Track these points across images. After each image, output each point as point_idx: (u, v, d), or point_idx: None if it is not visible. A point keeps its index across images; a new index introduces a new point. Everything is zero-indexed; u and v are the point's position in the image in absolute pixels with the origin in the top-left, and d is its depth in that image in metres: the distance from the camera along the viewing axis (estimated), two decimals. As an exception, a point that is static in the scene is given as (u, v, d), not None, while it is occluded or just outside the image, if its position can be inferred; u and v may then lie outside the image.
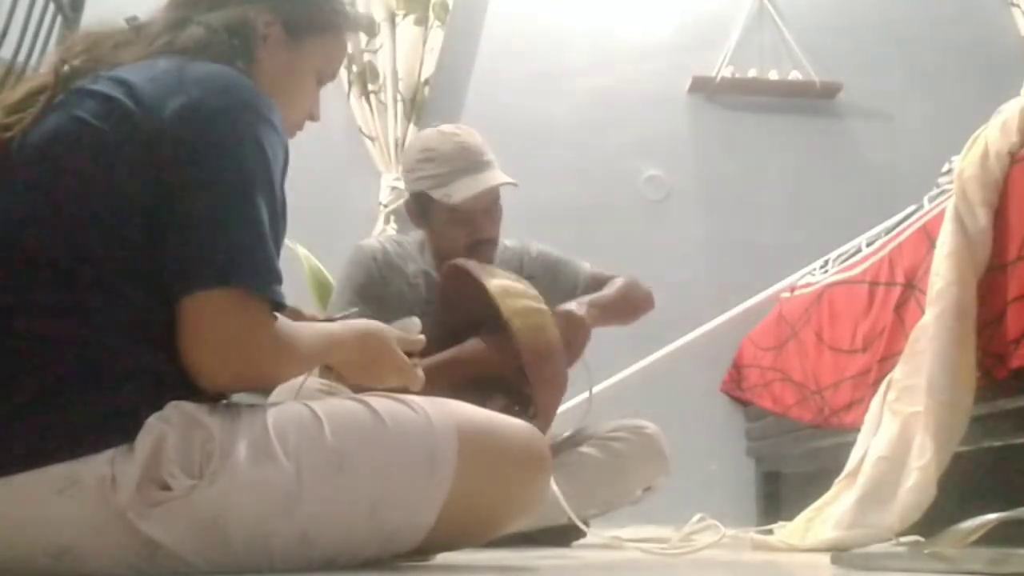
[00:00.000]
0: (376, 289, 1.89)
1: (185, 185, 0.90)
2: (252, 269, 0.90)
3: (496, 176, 1.85)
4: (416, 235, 2.03)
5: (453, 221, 1.86)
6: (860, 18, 3.55)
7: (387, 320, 1.85)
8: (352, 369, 1.16)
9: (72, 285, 0.87)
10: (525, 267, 1.98)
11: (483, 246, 1.89)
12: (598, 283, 2.00)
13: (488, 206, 1.87)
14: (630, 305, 2.01)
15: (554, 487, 1.35)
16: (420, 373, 1.17)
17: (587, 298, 1.88)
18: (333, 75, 1.19)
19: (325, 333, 1.05)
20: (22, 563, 0.82)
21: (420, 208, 1.91)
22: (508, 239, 2.02)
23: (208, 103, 0.92)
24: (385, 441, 0.93)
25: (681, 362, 2.83)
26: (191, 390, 0.89)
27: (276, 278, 0.92)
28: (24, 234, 0.89)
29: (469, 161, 1.83)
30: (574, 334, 1.77)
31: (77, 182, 0.90)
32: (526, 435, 1.03)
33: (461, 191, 1.81)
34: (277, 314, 0.93)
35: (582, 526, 1.55)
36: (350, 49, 1.25)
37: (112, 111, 0.91)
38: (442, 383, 1.42)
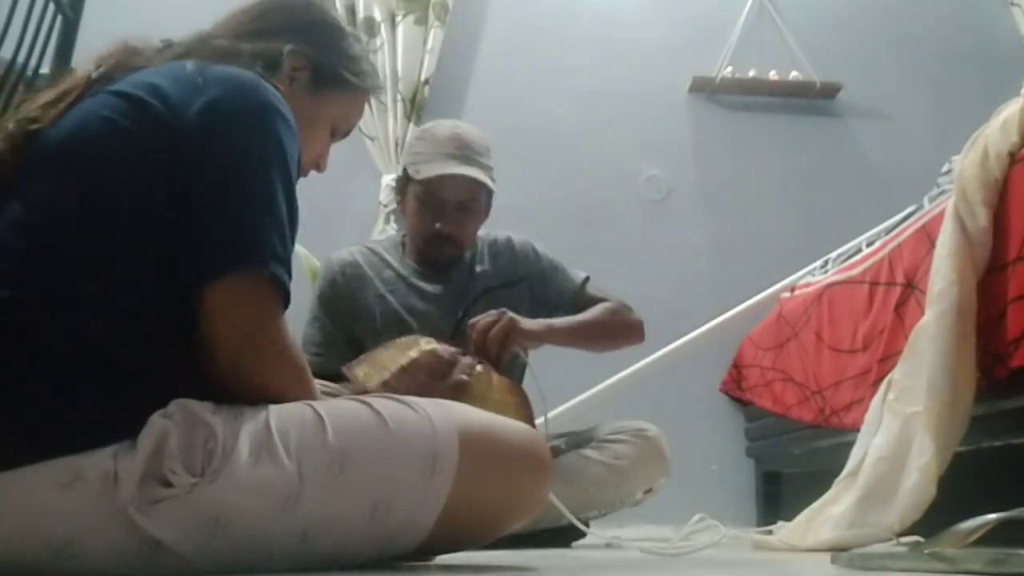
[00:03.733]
0: (342, 304, 1.90)
1: (205, 180, 0.92)
2: (274, 258, 0.92)
3: (472, 171, 1.82)
4: (397, 235, 2.07)
5: (421, 203, 1.87)
6: (860, 18, 3.56)
7: (355, 333, 1.86)
8: None
9: (80, 279, 0.87)
10: (520, 265, 1.96)
11: (444, 243, 1.88)
12: (583, 302, 1.92)
13: (461, 200, 1.85)
14: (602, 332, 1.89)
15: (551, 495, 1.35)
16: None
17: (549, 320, 1.78)
18: (347, 133, 1.24)
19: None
20: (23, 557, 0.82)
21: (399, 187, 1.96)
22: (513, 233, 2.02)
23: (229, 101, 0.95)
24: (387, 442, 0.93)
25: (681, 362, 2.82)
26: (196, 388, 0.90)
27: (290, 271, 0.95)
28: (35, 229, 0.90)
29: (454, 149, 1.83)
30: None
31: (96, 179, 0.91)
32: (527, 437, 1.03)
33: (430, 170, 1.82)
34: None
35: (582, 528, 1.55)
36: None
37: (141, 111, 0.93)
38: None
